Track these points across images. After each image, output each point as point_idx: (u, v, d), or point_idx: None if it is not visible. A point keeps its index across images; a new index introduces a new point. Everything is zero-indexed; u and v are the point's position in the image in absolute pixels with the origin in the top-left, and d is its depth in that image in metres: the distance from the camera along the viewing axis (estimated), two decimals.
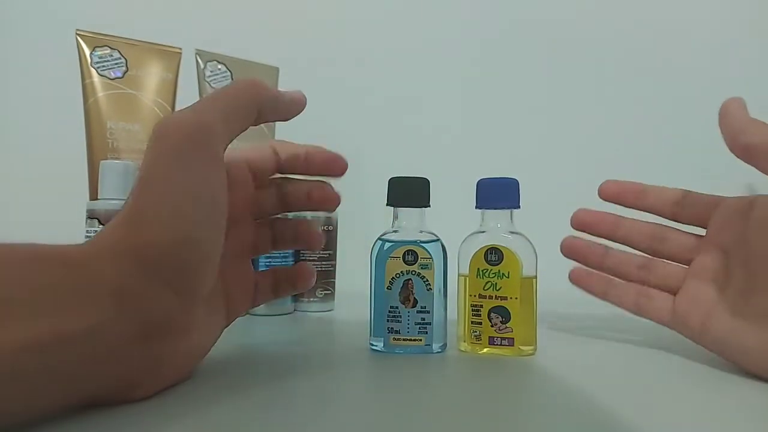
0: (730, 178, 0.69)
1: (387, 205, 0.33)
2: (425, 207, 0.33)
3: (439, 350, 0.32)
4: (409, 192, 0.32)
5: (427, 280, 0.31)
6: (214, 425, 0.20)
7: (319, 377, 0.27)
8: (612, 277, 0.35)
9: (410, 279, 0.31)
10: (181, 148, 0.22)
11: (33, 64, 0.73)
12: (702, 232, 0.33)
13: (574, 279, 0.36)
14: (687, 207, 0.33)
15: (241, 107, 0.26)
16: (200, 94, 0.58)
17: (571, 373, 0.28)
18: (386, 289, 0.31)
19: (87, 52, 0.53)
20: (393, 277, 0.31)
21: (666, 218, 0.34)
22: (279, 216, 0.32)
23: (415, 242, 0.31)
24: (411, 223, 0.33)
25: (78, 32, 0.53)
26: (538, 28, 0.77)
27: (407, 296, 0.31)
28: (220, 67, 0.59)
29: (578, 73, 0.76)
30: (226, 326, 0.28)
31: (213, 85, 0.58)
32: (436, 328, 0.31)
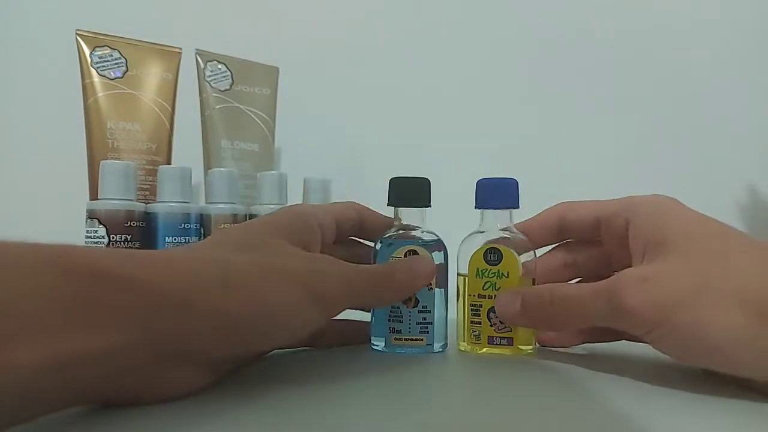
0: (729, 178, 0.69)
1: (388, 205, 0.33)
2: (426, 207, 0.33)
3: (440, 350, 0.32)
4: (410, 192, 0.32)
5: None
6: (213, 427, 0.20)
7: (319, 378, 0.27)
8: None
9: None
10: (311, 296, 0.23)
11: (33, 64, 0.73)
12: None
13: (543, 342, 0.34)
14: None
15: (373, 304, 0.30)
16: (200, 94, 0.58)
17: (571, 373, 0.28)
18: None
19: (87, 52, 0.53)
20: None
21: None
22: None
23: (416, 242, 0.31)
24: (412, 223, 0.33)
25: (78, 32, 0.53)
26: (540, 29, 0.77)
27: (409, 296, 0.31)
28: (220, 67, 0.59)
29: (579, 74, 0.76)
30: (256, 359, 0.28)
31: (213, 85, 0.58)
32: (437, 328, 0.31)
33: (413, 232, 0.32)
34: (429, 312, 0.31)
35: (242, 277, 0.22)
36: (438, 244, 0.32)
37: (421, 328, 0.31)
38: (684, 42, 0.75)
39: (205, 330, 0.21)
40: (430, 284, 0.31)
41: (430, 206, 0.33)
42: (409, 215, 0.33)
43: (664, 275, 0.24)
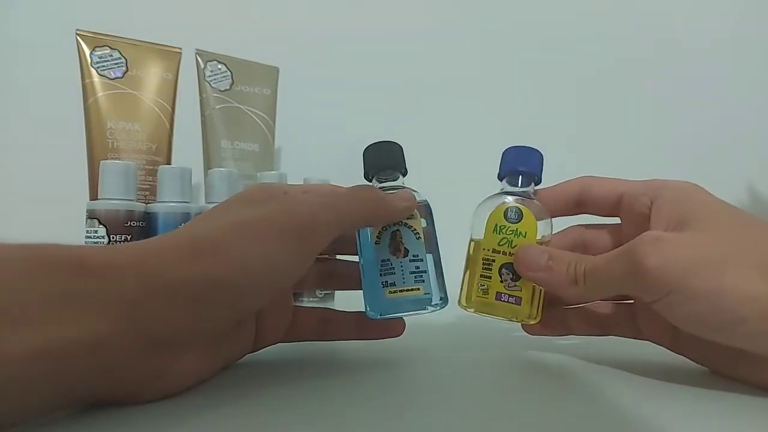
0: (729, 178, 0.69)
1: (365, 177, 0.32)
2: (403, 174, 0.32)
3: (440, 303, 0.29)
4: (382, 159, 0.31)
5: (415, 229, 0.29)
6: (213, 428, 0.20)
7: (319, 379, 0.27)
8: (567, 308, 0.32)
9: (398, 230, 0.29)
10: (282, 234, 0.23)
11: (33, 64, 0.73)
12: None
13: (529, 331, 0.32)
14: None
15: (359, 222, 0.28)
16: (200, 94, 0.58)
17: (570, 368, 0.28)
18: (374, 244, 0.29)
19: (87, 52, 0.53)
20: (380, 231, 0.29)
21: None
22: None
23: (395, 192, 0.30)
24: (391, 185, 0.31)
25: (78, 32, 0.53)
26: (537, 29, 0.77)
27: (397, 247, 0.29)
28: (220, 67, 0.59)
29: (576, 74, 0.76)
30: (252, 352, 0.28)
31: (213, 85, 0.59)
32: (432, 278, 0.29)
33: (392, 190, 0.30)
34: (421, 260, 0.29)
35: (210, 239, 0.22)
36: (423, 207, 0.30)
37: (415, 277, 0.29)
38: (684, 42, 0.75)
39: (189, 301, 0.20)
40: (418, 233, 0.29)
41: (406, 173, 0.32)
42: (387, 180, 0.31)
43: (685, 240, 0.24)
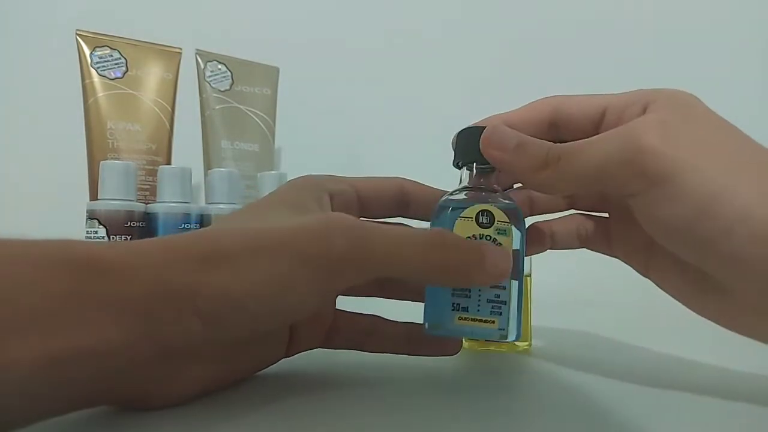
0: None
1: (453, 164, 0.28)
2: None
3: (515, 340, 0.25)
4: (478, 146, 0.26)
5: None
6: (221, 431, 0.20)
7: (319, 381, 0.27)
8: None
9: None
10: (303, 263, 0.20)
11: (33, 64, 0.73)
12: None
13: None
14: None
15: (413, 278, 0.24)
16: (200, 94, 0.58)
17: (566, 369, 0.28)
18: None
19: (87, 52, 0.53)
20: None
21: None
22: None
23: (491, 202, 0.25)
24: (483, 184, 0.26)
25: (78, 32, 0.53)
26: (537, 29, 0.77)
27: (458, 284, 0.25)
28: (220, 67, 0.59)
29: (575, 74, 0.76)
30: (285, 358, 0.26)
31: (213, 85, 0.58)
32: (512, 312, 0.24)
33: (485, 193, 0.25)
34: (503, 288, 0.24)
35: (226, 249, 0.20)
36: (516, 215, 0.25)
37: (492, 307, 0.24)
38: (684, 42, 0.75)
39: (196, 312, 0.19)
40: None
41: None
42: (479, 175, 0.27)
43: (695, 134, 0.22)
